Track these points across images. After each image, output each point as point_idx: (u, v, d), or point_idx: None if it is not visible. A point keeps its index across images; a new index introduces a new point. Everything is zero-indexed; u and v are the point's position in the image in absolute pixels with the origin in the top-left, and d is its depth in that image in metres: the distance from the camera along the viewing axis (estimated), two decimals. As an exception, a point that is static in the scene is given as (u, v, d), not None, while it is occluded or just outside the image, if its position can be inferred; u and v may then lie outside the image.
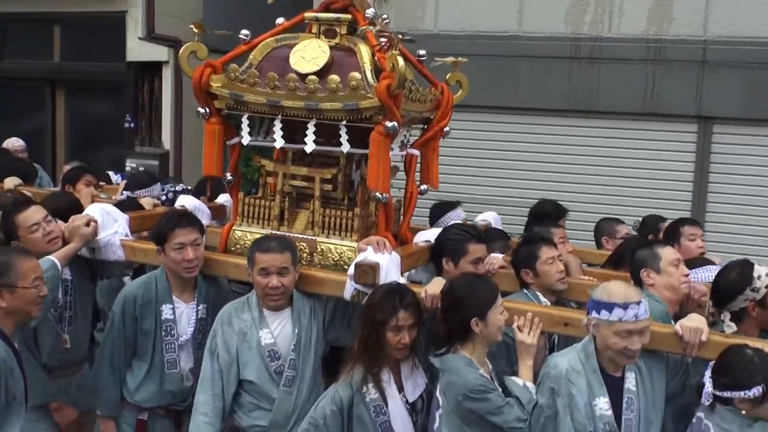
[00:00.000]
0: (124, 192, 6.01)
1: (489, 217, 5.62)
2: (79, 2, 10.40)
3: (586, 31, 8.98)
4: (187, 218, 4.36)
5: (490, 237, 4.91)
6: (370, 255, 3.96)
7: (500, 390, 3.67)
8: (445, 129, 4.69)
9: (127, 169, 9.70)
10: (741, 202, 8.65)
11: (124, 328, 4.31)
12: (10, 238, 4.38)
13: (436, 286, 3.91)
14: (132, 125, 10.66)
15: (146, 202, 5.52)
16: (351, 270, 3.97)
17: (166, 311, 4.30)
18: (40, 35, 11.17)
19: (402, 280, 3.99)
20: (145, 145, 10.62)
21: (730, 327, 4.00)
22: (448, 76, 4.81)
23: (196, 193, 6.14)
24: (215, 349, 4.05)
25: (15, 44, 11.33)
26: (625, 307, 3.45)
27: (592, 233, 6.28)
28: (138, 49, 10.40)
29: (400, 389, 3.81)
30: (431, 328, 3.88)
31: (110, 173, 7.02)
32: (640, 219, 6.64)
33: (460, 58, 4.79)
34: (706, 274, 4.49)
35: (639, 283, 4.12)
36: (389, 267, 3.92)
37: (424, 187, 4.70)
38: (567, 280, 4.35)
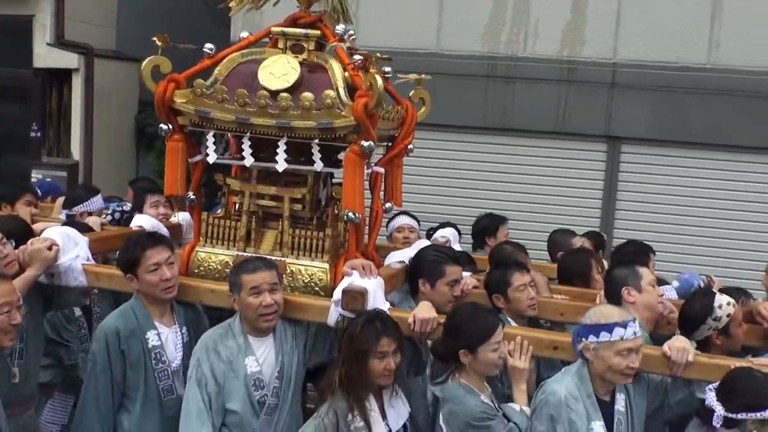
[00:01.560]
0: (63, 211, 5.59)
1: (448, 234, 5.61)
2: (-19, 4, 9.90)
3: (502, 51, 9.06)
4: (155, 238, 4.20)
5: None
6: (357, 280, 3.87)
7: (501, 414, 3.68)
8: (408, 146, 4.66)
9: (33, 180, 9.24)
10: (647, 219, 8.89)
11: (110, 365, 4.02)
12: None
13: (424, 310, 3.88)
14: (39, 134, 10.15)
15: (94, 222, 5.11)
16: (337, 296, 3.86)
17: (152, 338, 4.07)
18: (-64, 38, 10.53)
19: (387, 305, 3.93)
20: (53, 156, 10.18)
21: None
22: (411, 93, 4.80)
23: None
24: (201, 378, 3.86)
25: None
26: (624, 325, 3.54)
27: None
28: (46, 55, 9.96)
29: (383, 417, 3.73)
30: (431, 349, 3.88)
31: None
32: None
33: (423, 75, 4.80)
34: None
35: (615, 300, 4.19)
36: (376, 291, 3.86)
37: (388, 205, 4.66)
38: (537, 300, 4.40)
